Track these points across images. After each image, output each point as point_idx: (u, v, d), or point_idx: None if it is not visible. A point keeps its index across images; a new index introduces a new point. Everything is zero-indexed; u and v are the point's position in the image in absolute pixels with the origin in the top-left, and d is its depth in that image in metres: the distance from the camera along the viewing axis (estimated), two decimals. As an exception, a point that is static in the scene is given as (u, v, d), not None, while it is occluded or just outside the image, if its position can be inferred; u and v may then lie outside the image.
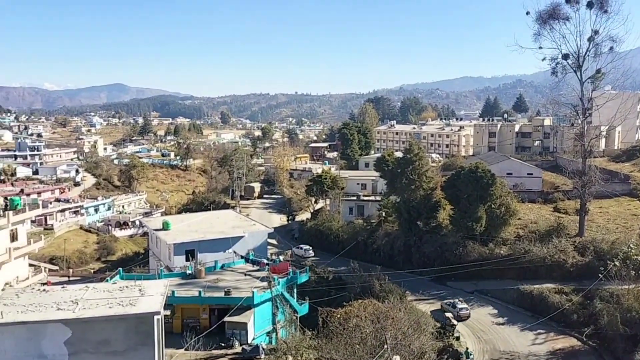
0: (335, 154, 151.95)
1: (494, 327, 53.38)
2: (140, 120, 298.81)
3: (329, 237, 79.09)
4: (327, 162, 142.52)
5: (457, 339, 48.57)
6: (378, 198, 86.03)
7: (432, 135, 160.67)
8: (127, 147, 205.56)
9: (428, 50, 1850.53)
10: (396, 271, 61.71)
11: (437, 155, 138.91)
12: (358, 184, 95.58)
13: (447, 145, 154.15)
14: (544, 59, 68.30)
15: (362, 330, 35.89)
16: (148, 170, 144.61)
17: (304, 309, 46.74)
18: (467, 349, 47.19)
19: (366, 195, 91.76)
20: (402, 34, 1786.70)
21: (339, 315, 39.90)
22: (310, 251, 75.31)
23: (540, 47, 67.43)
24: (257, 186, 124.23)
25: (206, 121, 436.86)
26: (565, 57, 67.02)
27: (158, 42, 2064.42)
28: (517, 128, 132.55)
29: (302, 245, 77.10)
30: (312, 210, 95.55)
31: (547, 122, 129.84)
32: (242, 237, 57.79)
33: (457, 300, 57.14)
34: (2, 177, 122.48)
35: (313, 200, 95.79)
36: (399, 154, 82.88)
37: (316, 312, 44.96)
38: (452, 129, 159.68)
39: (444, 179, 74.28)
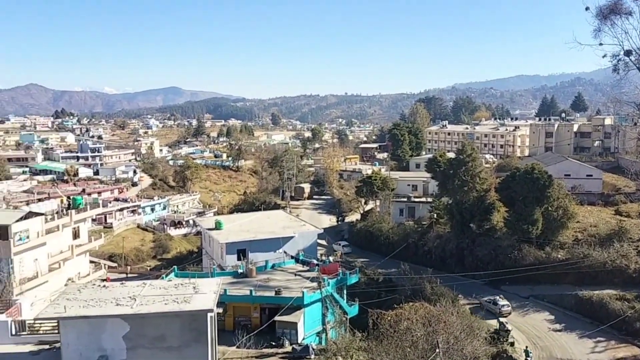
0: (385, 154, 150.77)
1: (551, 333, 51.51)
2: (194, 123, 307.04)
3: (378, 239, 78.61)
4: (377, 163, 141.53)
5: (512, 344, 47.19)
6: (429, 199, 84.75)
7: (485, 136, 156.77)
8: (181, 148, 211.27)
9: (481, 48, 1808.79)
10: (448, 274, 60.55)
11: (491, 156, 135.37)
12: (409, 185, 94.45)
13: (501, 146, 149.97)
14: (604, 56, 64.49)
15: (413, 334, 35.40)
16: (201, 171, 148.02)
17: (353, 310, 46.62)
18: (527, 347, 45.95)
19: (417, 197, 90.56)
20: (454, 32, 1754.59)
21: (389, 318, 39.56)
22: (348, 247, 77.09)
23: (600, 44, 63.90)
24: (307, 187, 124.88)
25: (257, 123, 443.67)
26: (628, 53, 63.34)
27: (211, 45, 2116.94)
28: (575, 128, 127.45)
29: (340, 242, 79.80)
30: (361, 212, 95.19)
31: (608, 121, 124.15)
32: (292, 237, 58.34)
33: (497, 297, 56.51)
34: (66, 178, 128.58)
35: (363, 201, 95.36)
36: (451, 155, 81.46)
37: (366, 314, 44.76)
38: (506, 129, 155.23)
39: (499, 180, 72.42)
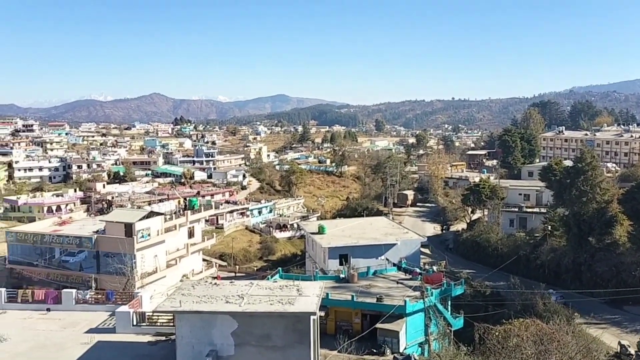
0: (494, 162, 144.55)
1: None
2: (300, 129, 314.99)
3: (486, 250, 75.45)
4: (485, 170, 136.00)
5: (636, 372, 42.80)
6: (543, 210, 79.93)
7: (607, 143, 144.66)
8: (287, 154, 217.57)
9: (602, 49, 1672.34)
10: (563, 290, 56.52)
11: (614, 165, 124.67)
12: (520, 194, 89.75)
13: (625, 154, 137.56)
14: None
15: (523, 352, 33.37)
16: (306, 176, 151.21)
17: (458, 322, 45.04)
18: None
19: (529, 207, 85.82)
20: (573, 31, 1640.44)
21: (497, 333, 37.62)
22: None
23: None
24: (410, 194, 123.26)
25: (361, 129, 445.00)
26: None
27: (317, 54, 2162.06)
28: None
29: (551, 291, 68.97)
30: (468, 221, 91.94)
31: None
32: (394, 244, 57.70)
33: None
34: (183, 180, 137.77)
35: (469, 210, 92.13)
36: (568, 163, 76.27)
37: (471, 327, 42.99)
38: (631, 136, 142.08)
39: (622, 191, 66.41)
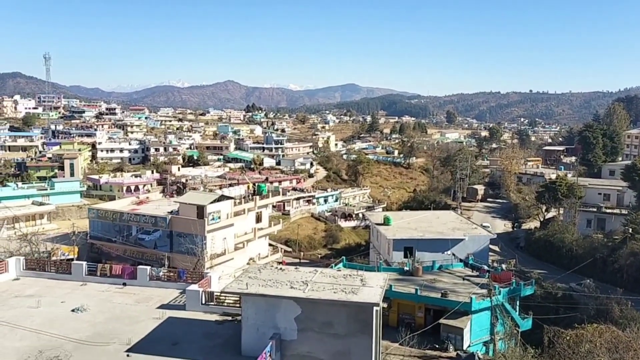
0: (572, 158, 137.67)
1: None
2: (369, 119, 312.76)
3: (560, 250, 72.15)
4: (562, 167, 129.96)
5: None
6: (624, 212, 75.32)
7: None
8: (355, 143, 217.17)
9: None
10: (642, 298, 53.05)
11: None
12: (600, 193, 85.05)
13: None
14: None
15: (595, 359, 31.74)
16: (373, 166, 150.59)
17: (526, 323, 43.41)
18: None
19: (609, 208, 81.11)
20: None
21: (568, 337, 35.95)
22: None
23: None
24: (480, 188, 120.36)
25: (431, 120, 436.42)
26: None
27: (389, 44, 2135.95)
28: None
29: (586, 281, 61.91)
30: (541, 219, 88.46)
31: None
32: (462, 240, 56.64)
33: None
34: (252, 166, 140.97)
35: (543, 208, 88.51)
36: (655, 163, 71.12)
37: (540, 330, 41.31)
38: None
39: None
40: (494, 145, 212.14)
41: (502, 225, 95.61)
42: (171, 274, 34.16)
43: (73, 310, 28.61)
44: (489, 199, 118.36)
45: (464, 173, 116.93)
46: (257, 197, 66.12)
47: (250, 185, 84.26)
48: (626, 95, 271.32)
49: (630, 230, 66.49)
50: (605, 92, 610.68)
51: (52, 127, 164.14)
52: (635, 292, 56.96)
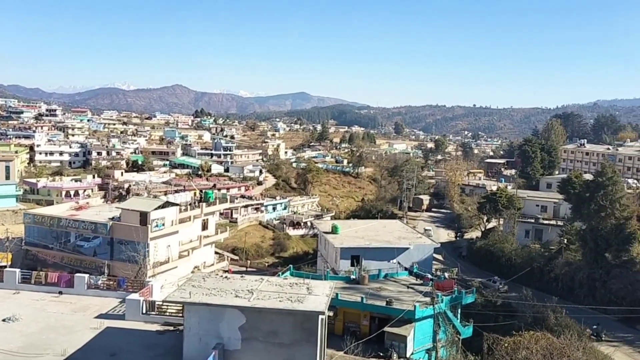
0: (513, 171, 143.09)
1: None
2: (319, 128, 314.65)
3: (499, 260, 74.61)
4: (503, 179, 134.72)
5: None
6: (560, 223, 78.82)
7: (629, 158, 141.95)
8: (305, 152, 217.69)
9: (629, 61, 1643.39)
10: (575, 305, 55.64)
11: (635, 182, 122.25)
12: (537, 205, 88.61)
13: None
14: None
15: (531, 365, 32.96)
16: (322, 175, 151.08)
17: (467, 331, 44.58)
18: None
19: (546, 219, 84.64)
20: (598, 44, 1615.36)
21: (506, 344, 37.19)
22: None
23: None
24: (426, 199, 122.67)
25: (380, 131, 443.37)
26: None
27: (340, 54, 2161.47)
28: None
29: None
30: (483, 229, 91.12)
31: None
32: (407, 248, 57.56)
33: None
34: (200, 172, 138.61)
35: (485, 218, 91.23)
36: (588, 177, 75.11)
37: (480, 337, 42.56)
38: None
39: (643, 208, 65.18)
40: (439, 157, 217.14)
41: (446, 235, 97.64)
42: (111, 282, 33.07)
43: (4, 320, 27.19)
44: (433, 209, 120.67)
45: (411, 183, 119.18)
46: (204, 204, 64.95)
47: (197, 191, 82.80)
48: (563, 112, 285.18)
49: (565, 241, 69.68)
50: (544, 108, 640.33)
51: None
52: (569, 300, 59.77)
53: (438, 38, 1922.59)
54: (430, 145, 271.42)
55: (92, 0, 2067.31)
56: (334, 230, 63.48)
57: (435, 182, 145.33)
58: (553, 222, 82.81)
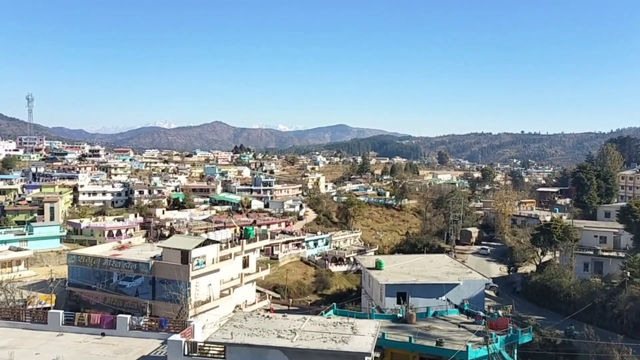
0: (567, 200, 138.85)
1: None
2: (359, 160, 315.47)
3: (557, 295, 71.83)
4: (557, 209, 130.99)
5: None
6: (621, 254, 75.56)
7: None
8: (345, 185, 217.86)
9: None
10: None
11: None
12: (596, 236, 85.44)
13: None
14: None
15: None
16: (364, 208, 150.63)
17: (525, 373, 42.81)
18: None
19: (606, 250, 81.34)
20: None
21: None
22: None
23: None
24: (474, 231, 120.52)
25: (423, 161, 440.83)
26: None
27: (379, 85, 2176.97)
28: None
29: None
30: (537, 263, 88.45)
31: None
32: (456, 284, 56.26)
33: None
34: (240, 209, 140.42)
35: (539, 251, 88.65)
36: (650, 204, 72.00)
37: (540, 380, 40.74)
38: None
39: None
40: (487, 187, 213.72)
41: (498, 269, 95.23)
42: (153, 323, 33.49)
43: (48, 363, 27.79)
44: (483, 242, 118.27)
45: (457, 215, 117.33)
46: (244, 241, 65.57)
47: (237, 228, 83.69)
48: (619, 136, 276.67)
49: (629, 273, 66.48)
50: (598, 132, 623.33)
51: (33, 169, 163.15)
52: (636, 338, 56.56)
53: (481, 63, 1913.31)
54: (477, 174, 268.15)
55: (132, 42, 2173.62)
56: (378, 266, 62.82)
57: (484, 213, 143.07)
58: (614, 253, 79.61)
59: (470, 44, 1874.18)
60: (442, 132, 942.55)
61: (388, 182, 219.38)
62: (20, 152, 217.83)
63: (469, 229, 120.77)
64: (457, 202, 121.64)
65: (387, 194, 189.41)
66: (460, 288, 55.94)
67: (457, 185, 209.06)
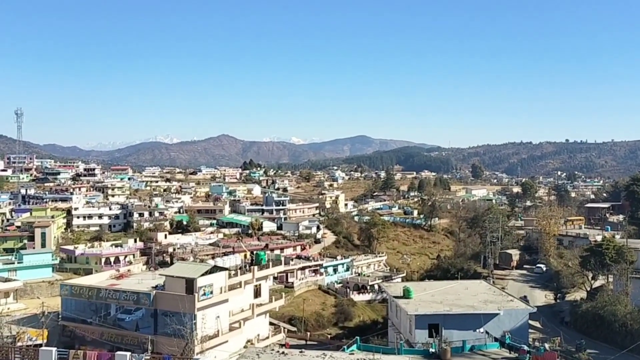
0: (620, 217, 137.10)
1: None
2: (383, 174, 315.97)
3: (611, 326, 70.48)
4: (609, 227, 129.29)
5: None
6: (685, 278, 74.02)
7: None
8: (368, 203, 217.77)
9: None
10: None
11: None
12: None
13: None
14: None
15: None
16: (389, 229, 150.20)
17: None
18: None
19: (667, 274, 79.90)
20: None
21: None
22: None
23: None
24: (515, 253, 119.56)
25: (454, 175, 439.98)
26: None
27: (403, 90, 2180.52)
28: None
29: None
30: (588, 289, 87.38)
31: None
32: (496, 314, 55.80)
33: None
34: (250, 231, 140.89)
35: (590, 275, 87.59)
36: None
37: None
38: None
39: None
40: (528, 203, 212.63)
41: (543, 297, 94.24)
42: (155, 360, 33.55)
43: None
44: (525, 266, 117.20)
45: (495, 236, 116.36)
46: (256, 267, 65.58)
47: (248, 253, 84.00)
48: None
49: (694, 300, 65.20)
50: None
51: (23, 191, 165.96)
52: None
53: (518, 66, 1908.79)
54: (516, 189, 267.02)
55: (129, 52, 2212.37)
56: (407, 294, 62.56)
57: (526, 233, 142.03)
58: (677, 277, 78.10)
59: (506, 48, 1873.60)
60: (475, 142, 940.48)
61: (415, 200, 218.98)
62: (9, 172, 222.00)
63: (509, 251, 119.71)
64: (494, 221, 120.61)
65: (415, 212, 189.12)
66: (500, 318, 55.50)
67: (494, 201, 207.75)
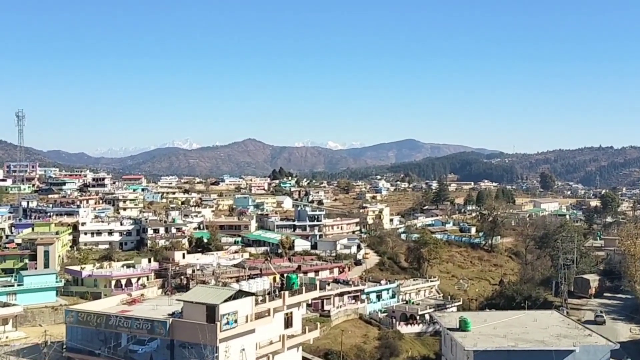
0: None
1: None
2: (434, 185, 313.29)
3: None
4: None
5: None
6: None
7: None
8: (417, 218, 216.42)
9: None
10: None
11: None
12: None
13: None
14: None
15: None
16: (442, 249, 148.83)
17: None
18: None
19: None
20: None
21: None
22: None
23: None
24: (593, 279, 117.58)
25: (520, 186, 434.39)
26: None
27: (458, 88, 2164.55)
28: None
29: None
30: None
31: None
32: (571, 351, 55.66)
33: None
34: (280, 251, 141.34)
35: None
36: None
37: None
38: None
39: None
40: (609, 219, 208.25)
41: (628, 331, 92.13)
42: (171, 400, 33.78)
43: None
44: (606, 294, 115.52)
45: (570, 258, 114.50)
46: (287, 292, 65.75)
47: (277, 276, 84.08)
48: None
49: None
50: None
51: (24, 203, 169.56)
52: None
53: (594, 62, 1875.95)
54: (595, 203, 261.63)
55: (142, 50, 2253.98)
56: (463, 326, 62.42)
57: (606, 255, 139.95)
58: None
59: (583, 46, 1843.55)
60: (545, 147, 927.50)
61: (473, 215, 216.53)
62: (9, 182, 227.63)
63: (586, 276, 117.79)
64: (568, 240, 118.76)
65: (473, 230, 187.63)
66: (576, 356, 55.28)
67: (567, 217, 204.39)
